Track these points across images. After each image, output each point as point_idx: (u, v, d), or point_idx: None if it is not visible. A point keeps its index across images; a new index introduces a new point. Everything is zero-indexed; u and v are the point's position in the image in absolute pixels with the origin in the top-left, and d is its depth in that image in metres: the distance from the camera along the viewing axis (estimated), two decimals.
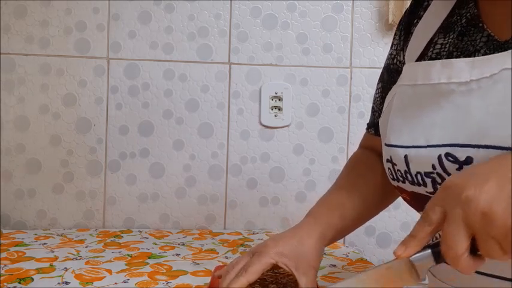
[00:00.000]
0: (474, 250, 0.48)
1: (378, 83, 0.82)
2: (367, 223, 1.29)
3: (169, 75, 1.24)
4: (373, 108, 0.84)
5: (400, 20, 0.79)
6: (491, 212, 0.45)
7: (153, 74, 1.24)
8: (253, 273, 0.65)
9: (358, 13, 1.28)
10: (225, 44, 1.25)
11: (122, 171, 1.25)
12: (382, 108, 0.80)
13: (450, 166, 0.58)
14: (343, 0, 1.27)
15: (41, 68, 1.22)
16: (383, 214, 1.30)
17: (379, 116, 0.79)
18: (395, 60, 0.77)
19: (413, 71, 0.66)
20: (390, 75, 0.78)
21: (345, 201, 0.76)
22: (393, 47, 0.78)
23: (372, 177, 0.79)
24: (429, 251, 0.51)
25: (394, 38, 0.79)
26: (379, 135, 0.75)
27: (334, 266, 0.92)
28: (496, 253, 0.47)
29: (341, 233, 0.76)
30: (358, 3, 1.27)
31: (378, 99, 0.81)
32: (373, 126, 0.83)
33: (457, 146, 0.58)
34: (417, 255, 0.51)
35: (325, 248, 0.74)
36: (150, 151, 1.25)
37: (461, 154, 0.57)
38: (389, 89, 0.76)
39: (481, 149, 0.55)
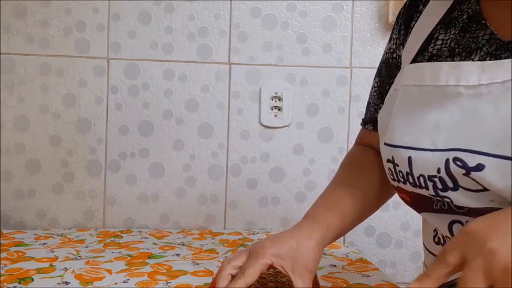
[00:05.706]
0: None
1: (375, 78, 0.81)
2: (367, 223, 1.31)
3: (169, 75, 1.24)
4: (369, 103, 0.82)
5: (399, 14, 0.78)
6: None
7: (153, 74, 1.24)
8: (251, 275, 0.65)
9: (358, 13, 1.28)
10: (225, 44, 1.25)
11: (122, 171, 1.25)
12: (379, 103, 0.79)
13: (457, 170, 0.58)
14: (343, 0, 1.27)
15: (41, 68, 1.22)
16: (383, 214, 1.31)
17: (376, 111, 0.78)
18: (394, 55, 0.76)
19: (420, 71, 0.65)
20: (389, 69, 0.77)
21: (345, 200, 0.75)
22: (392, 41, 0.77)
23: (371, 174, 0.78)
24: None
25: (392, 32, 0.78)
26: (377, 131, 0.75)
27: (334, 266, 0.92)
28: None
29: (341, 233, 0.75)
30: (358, 3, 1.27)
31: (375, 94, 0.80)
32: (371, 122, 0.81)
33: (467, 152, 0.57)
34: None
35: (325, 248, 0.73)
36: (150, 151, 1.25)
37: (471, 160, 0.57)
38: (387, 83, 0.76)
39: (494, 158, 0.55)
